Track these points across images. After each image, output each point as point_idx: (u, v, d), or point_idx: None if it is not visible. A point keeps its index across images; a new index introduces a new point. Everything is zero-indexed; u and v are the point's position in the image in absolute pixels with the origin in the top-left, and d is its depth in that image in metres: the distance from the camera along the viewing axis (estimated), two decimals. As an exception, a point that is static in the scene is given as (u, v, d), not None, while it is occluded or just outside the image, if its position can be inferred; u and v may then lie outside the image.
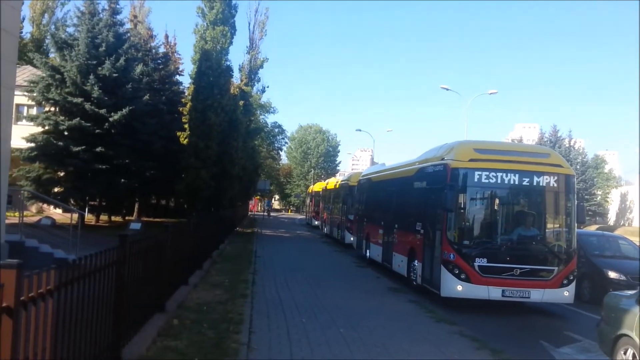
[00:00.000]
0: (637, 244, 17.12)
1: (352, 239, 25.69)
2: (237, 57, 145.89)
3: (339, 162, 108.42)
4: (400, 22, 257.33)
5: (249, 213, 64.10)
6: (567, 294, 11.86)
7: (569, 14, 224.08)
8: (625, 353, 7.29)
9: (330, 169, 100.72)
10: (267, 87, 49.40)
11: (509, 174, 11.80)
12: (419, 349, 8.10)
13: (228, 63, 27.61)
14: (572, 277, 11.96)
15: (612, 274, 14.06)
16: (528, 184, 11.94)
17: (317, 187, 46.23)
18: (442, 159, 12.74)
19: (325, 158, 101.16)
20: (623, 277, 13.88)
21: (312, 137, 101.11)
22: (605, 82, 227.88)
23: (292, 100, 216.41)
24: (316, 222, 43.38)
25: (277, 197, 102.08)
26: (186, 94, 29.62)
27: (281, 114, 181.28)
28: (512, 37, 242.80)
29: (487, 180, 11.79)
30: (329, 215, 35.51)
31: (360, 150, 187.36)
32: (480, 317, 11.63)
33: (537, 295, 11.69)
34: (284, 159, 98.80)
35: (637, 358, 6.97)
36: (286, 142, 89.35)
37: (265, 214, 65.76)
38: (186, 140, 25.82)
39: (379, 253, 18.26)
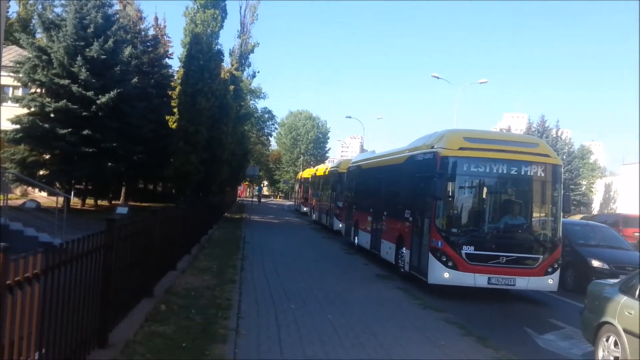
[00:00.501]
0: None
1: (340, 225, 25.68)
2: (228, 41, 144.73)
3: (329, 149, 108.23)
4: (392, 9, 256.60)
5: (238, 199, 63.98)
6: (551, 282, 12.02)
7: (560, 5, 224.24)
8: (607, 340, 7.37)
9: (319, 155, 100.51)
10: (258, 72, 49.20)
11: (497, 163, 11.86)
12: (406, 335, 8.15)
13: (219, 47, 27.46)
14: (556, 266, 12.09)
15: (596, 263, 14.20)
16: (516, 173, 12.04)
17: (307, 173, 46.13)
18: (432, 147, 12.76)
19: (315, 144, 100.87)
20: (606, 266, 14.04)
21: (302, 124, 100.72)
22: (593, 74, 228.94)
23: (283, 86, 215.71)
24: (305, 209, 43.34)
25: (265, 183, 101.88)
26: (176, 78, 29.40)
27: (271, 99, 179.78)
28: (503, 27, 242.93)
29: (476, 169, 11.88)
30: (317, 201, 35.48)
31: (350, 137, 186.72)
32: (467, 304, 11.71)
33: (522, 282, 11.84)
34: (273, 144, 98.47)
35: (619, 345, 7.04)
36: (276, 128, 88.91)
37: (255, 200, 64.25)
38: (175, 124, 25.67)
39: (368, 240, 18.31)
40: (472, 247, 11.65)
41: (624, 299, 7.24)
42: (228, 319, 7.99)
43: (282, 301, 9.90)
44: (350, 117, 71.18)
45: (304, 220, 36.79)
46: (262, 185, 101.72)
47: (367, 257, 17.72)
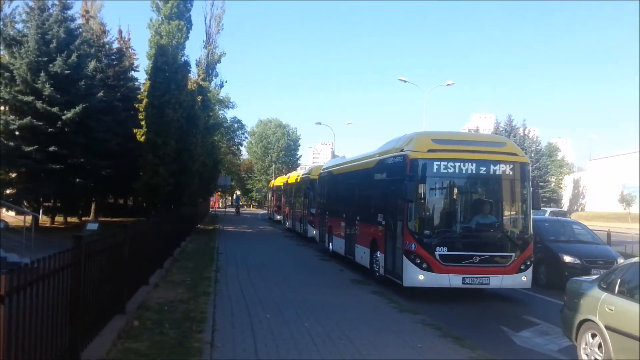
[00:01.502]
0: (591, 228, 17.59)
1: (314, 232, 25.67)
2: (194, 51, 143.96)
3: (300, 156, 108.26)
4: (358, 15, 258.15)
5: (211, 210, 63.47)
6: (524, 279, 12.15)
7: (521, 5, 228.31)
8: (589, 338, 7.33)
9: (291, 163, 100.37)
10: (226, 82, 48.59)
11: (466, 164, 11.98)
12: (383, 339, 8.13)
13: (185, 58, 27.17)
14: (529, 263, 12.25)
15: (567, 258, 14.42)
16: (485, 172, 12.16)
17: (279, 181, 46.05)
18: (402, 150, 12.85)
19: (286, 152, 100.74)
20: (578, 261, 14.28)
21: (273, 132, 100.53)
22: (557, 72, 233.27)
23: (252, 95, 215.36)
24: (278, 217, 43.22)
25: (238, 192, 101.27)
26: (142, 90, 29.04)
27: (240, 109, 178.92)
28: (468, 29, 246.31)
29: (445, 170, 11.95)
30: (291, 209, 35.41)
31: (321, 144, 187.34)
32: (443, 305, 11.76)
33: (496, 281, 11.95)
34: (244, 154, 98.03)
35: (602, 342, 7.00)
36: (246, 137, 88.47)
37: (233, 210, 61.01)
38: (143, 137, 25.32)
39: (342, 245, 18.30)
40: (446, 248, 11.74)
41: (604, 295, 7.21)
42: (203, 332, 7.88)
43: (258, 311, 9.81)
44: (320, 124, 71.58)
45: (278, 229, 36.66)
46: (234, 194, 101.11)
47: (342, 262, 17.71)
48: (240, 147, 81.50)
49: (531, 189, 12.53)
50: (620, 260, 14.51)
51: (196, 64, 39.22)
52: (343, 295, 11.91)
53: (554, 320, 10.36)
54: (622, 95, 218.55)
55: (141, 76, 43.00)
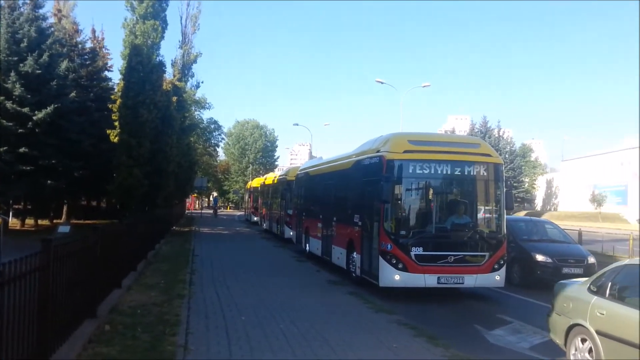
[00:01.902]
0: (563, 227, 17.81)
1: (291, 233, 25.60)
2: (169, 52, 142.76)
3: (278, 157, 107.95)
4: (336, 17, 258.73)
5: (187, 211, 63.00)
6: (498, 278, 12.29)
7: (495, 6, 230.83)
8: (579, 343, 7.15)
9: (268, 164, 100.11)
10: (202, 82, 48.53)
11: (441, 164, 12.10)
12: (358, 340, 8.13)
13: (160, 58, 26.86)
14: (502, 262, 12.38)
15: (540, 257, 14.58)
16: (460, 173, 12.34)
17: (256, 182, 45.85)
18: (378, 151, 12.87)
19: (264, 153, 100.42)
20: (550, 260, 14.47)
21: (250, 133, 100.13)
22: (531, 74, 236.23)
23: (229, 96, 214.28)
24: (255, 218, 43.04)
25: (215, 193, 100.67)
26: (116, 91, 28.69)
27: (217, 109, 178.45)
28: (443, 31, 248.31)
29: (421, 171, 12.07)
30: (268, 210, 35.29)
31: (298, 145, 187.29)
32: (418, 305, 11.81)
33: (470, 280, 12.06)
34: (221, 155, 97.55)
35: (592, 347, 6.84)
36: (223, 138, 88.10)
37: (212, 212, 59.31)
38: (117, 138, 25.00)
39: (319, 247, 18.25)
40: (421, 248, 11.82)
41: (594, 299, 7.01)
42: (176, 336, 7.78)
43: (233, 314, 9.72)
44: (297, 125, 71.58)
45: (255, 230, 36.51)
46: (211, 196, 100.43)
47: (318, 264, 17.67)
48: (217, 148, 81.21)
49: (504, 189, 12.65)
50: (591, 259, 14.80)
51: (172, 64, 38.90)
52: (319, 297, 11.87)
53: (527, 319, 10.54)
54: (593, 97, 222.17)
55: (115, 76, 42.55)
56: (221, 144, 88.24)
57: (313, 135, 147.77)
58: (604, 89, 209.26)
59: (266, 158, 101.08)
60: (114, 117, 25.77)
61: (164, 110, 26.93)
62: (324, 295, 12.14)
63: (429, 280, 11.82)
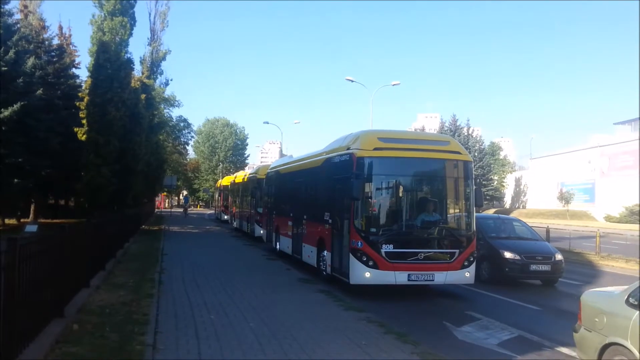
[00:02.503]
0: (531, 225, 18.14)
1: (261, 231, 25.59)
2: (138, 49, 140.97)
3: (248, 155, 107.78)
4: (306, 14, 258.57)
5: (156, 210, 62.39)
6: (468, 275, 12.35)
7: (464, 5, 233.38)
8: None
9: (239, 162, 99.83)
10: (171, 80, 48.08)
11: (411, 162, 12.19)
12: (328, 337, 8.17)
13: (128, 55, 26.65)
14: (472, 259, 12.44)
15: (508, 254, 14.78)
16: (429, 170, 12.50)
17: (226, 181, 45.68)
18: (348, 149, 12.85)
19: (234, 151, 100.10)
20: (518, 257, 14.69)
21: (220, 131, 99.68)
22: (498, 72, 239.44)
23: (199, 94, 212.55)
24: (225, 217, 42.90)
25: (185, 192, 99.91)
26: (84, 88, 28.31)
27: (187, 107, 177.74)
28: (414, 28, 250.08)
29: (391, 169, 12.12)
30: (238, 209, 35.20)
31: (268, 143, 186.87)
32: (388, 303, 11.91)
33: (441, 277, 12.07)
34: (191, 153, 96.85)
35: None
36: (192, 137, 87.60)
37: (182, 211, 57.50)
38: (84, 136, 24.68)
39: (289, 245, 18.19)
40: (391, 246, 11.80)
41: (635, 314, 5.89)
42: (145, 335, 7.72)
43: (202, 313, 9.69)
44: (267, 123, 71.75)
45: (225, 229, 36.38)
46: (180, 194, 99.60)
47: (289, 262, 17.68)
48: (186, 146, 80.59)
49: (474, 186, 12.75)
50: (559, 256, 14.98)
51: (140, 62, 38.62)
52: (289, 295, 11.89)
53: (495, 315, 10.73)
54: (561, 96, 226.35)
55: (83, 73, 41.94)
56: (191, 142, 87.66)
57: (283, 133, 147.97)
58: (571, 88, 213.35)
59: (236, 156, 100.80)
60: (81, 115, 25.45)
61: (133, 108, 26.68)
62: (294, 293, 12.16)
63: (400, 277, 11.81)
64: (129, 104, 25.96)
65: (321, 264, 14.43)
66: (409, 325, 9.55)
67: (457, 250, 12.24)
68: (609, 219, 62.49)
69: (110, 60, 24.46)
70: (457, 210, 13.05)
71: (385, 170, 12.13)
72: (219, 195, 50.60)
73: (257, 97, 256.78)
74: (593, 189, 71.33)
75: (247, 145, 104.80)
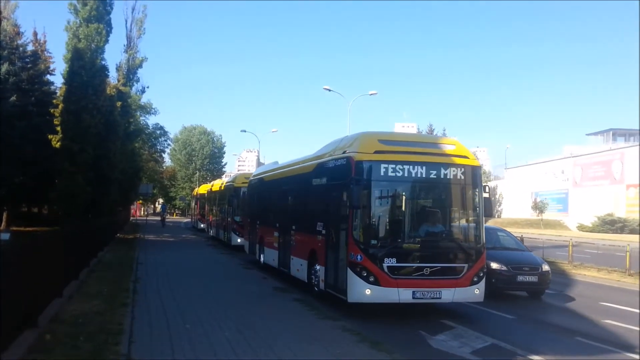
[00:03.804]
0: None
1: (238, 240, 25.57)
2: (114, 56, 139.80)
3: (225, 164, 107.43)
4: (284, 22, 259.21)
5: (132, 218, 61.79)
6: (477, 292, 11.34)
7: (440, 13, 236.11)
8: None
9: (216, 170, 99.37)
10: (147, 87, 47.60)
11: (416, 167, 11.10)
12: (303, 346, 8.20)
13: (104, 62, 26.39)
14: (482, 274, 11.41)
15: (494, 265, 14.17)
16: (436, 176, 11.29)
17: (202, 189, 45.52)
18: (344, 152, 11.83)
19: (211, 160, 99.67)
20: (504, 268, 14.20)
21: (197, 139, 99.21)
22: (473, 82, 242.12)
23: (175, 102, 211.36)
24: (202, 225, 42.72)
25: (161, 200, 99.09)
26: (58, 95, 27.99)
27: (163, 115, 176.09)
28: (391, 38, 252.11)
29: (394, 174, 11.00)
30: (214, 217, 35.11)
31: (246, 151, 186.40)
32: (363, 311, 11.80)
33: (448, 295, 11.03)
34: (167, 161, 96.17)
35: None
36: (169, 144, 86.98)
37: (160, 220, 54.69)
38: (59, 143, 24.36)
39: (275, 257, 17.00)
40: (394, 260, 10.70)
41: None
42: (119, 345, 7.66)
43: (178, 322, 9.65)
44: (245, 131, 71.96)
45: (201, 237, 36.22)
46: (157, 202, 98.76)
47: (265, 271, 17.68)
48: (162, 154, 79.99)
49: (483, 194, 11.64)
50: (545, 267, 14.56)
51: (116, 69, 38.25)
52: (265, 304, 11.89)
53: (469, 324, 10.81)
54: (536, 107, 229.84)
55: (57, 80, 41.38)
56: (167, 150, 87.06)
57: (261, 141, 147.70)
58: (545, 99, 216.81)
59: (213, 164, 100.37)
60: (55, 122, 25.11)
61: (108, 116, 26.41)
62: (269, 302, 12.16)
63: (403, 295, 10.71)
64: (104, 112, 25.69)
65: (313, 278, 13.29)
66: (384, 333, 9.61)
67: (465, 265, 11.20)
68: (581, 228, 63.57)
69: (85, 67, 24.20)
70: (465, 221, 11.92)
71: (388, 175, 10.97)
72: (196, 204, 50.34)
73: (235, 106, 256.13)
74: (566, 199, 72.52)
75: (224, 153, 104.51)
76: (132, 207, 64.29)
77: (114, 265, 17.57)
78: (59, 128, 24.61)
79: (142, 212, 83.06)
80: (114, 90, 31.11)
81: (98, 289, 12.56)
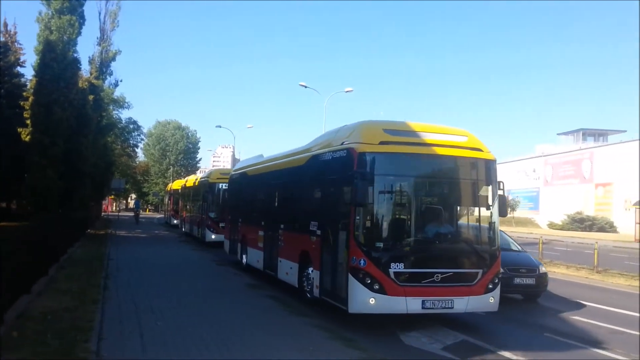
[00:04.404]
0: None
1: (213, 237, 25.53)
2: (87, 49, 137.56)
3: (200, 159, 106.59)
4: (260, 18, 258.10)
5: (103, 214, 61.04)
6: (492, 300, 10.22)
7: (413, 13, 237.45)
8: None
9: (190, 166, 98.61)
10: (121, 81, 46.73)
11: (426, 160, 10.13)
12: (276, 343, 8.20)
13: (76, 55, 26.00)
14: (497, 281, 10.33)
15: None
16: (447, 171, 10.40)
17: (176, 184, 45.13)
18: (343, 144, 10.60)
19: (185, 155, 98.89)
20: (501, 270, 13.29)
21: (171, 134, 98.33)
22: (450, 81, 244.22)
23: (150, 96, 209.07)
24: (175, 221, 42.40)
25: (133, 196, 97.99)
26: (29, 87, 27.49)
27: (137, 109, 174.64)
28: (366, 34, 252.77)
29: (401, 167, 10.04)
30: (188, 213, 34.85)
31: (221, 147, 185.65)
32: (337, 308, 11.87)
33: (461, 304, 9.88)
34: (140, 156, 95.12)
35: None
36: (142, 139, 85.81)
37: (133, 216, 52.03)
38: (29, 137, 23.94)
39: (260, 259, 15.70)
40: (402, 265, 9.54)
41: None
42: (89, 342, 7.56)
43: (149, 319, 9.55)
44: (220, 127, 71.97)
45: (175, 233, 35.94)
46: (129, 198, 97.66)
47: (238, 267, 17.60)
48: (136, 149, 78.96)
49: (498, 192, 10.55)
50: (542, 269, 14.01)
51: (89, 62, 37.73)
52: (238, 300, 11.85)
53: (442, 321, 10.83)
54: (509, 107, 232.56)
55: (28, 72, 40.67)
56: (141, 145, 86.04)
57: (236, 137, 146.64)
58: (518, 99, 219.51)
59: (188, 160, 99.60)
60: (26, 115, 24.67)
61: (80, 109, 26.06)
62: (242, 299, 12.13)
63: (412, 304, 9.56)
64: (76, 105, 25.31)
65: (305, 284, 12.04)
66: (356, 330, 9.64)
67: (480, 270, 10.06)
68: (552, 226, 64.73)
69: (56, 59, 23.81)
70: (479, 221, 10.65)
71: (394, 169, 9.99)
72: (169, 199, 49.90)
73: (210, 101, 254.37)
74: (537, 197, 73.74)
75: (199, 149, 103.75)
76: (104, 202, 63.46)
77: (85, 261, 17.32)
78: (29, 121, 24.19)
79: (114, 208, 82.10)
80: (86, 83, 30.73)
81: (68, 285, 12.36)
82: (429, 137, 10.27)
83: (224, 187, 26.22)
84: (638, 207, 46.56)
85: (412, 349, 8.84)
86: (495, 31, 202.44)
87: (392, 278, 9.48)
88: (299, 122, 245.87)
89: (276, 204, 14.93)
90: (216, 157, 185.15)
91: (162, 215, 62.55)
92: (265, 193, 16.11)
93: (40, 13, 24.63)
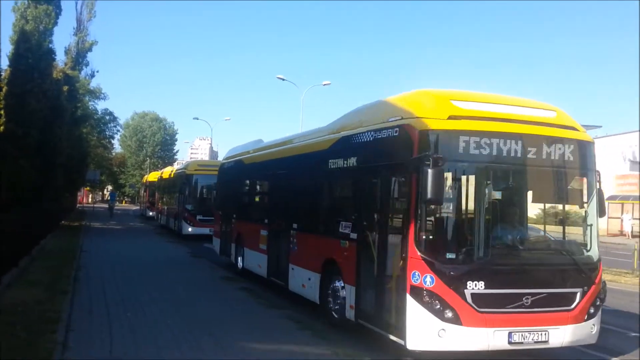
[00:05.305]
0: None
1: (190, 229, 25.53)
2: (64, 39, 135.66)
3: (177, 151, 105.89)
4: (237, 11, 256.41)
5: (78, 205, 60.44)
6: (593, 329, 7.76)
7: (394, 5, 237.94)
8: None
9: (167, 158, 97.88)
10: (97, 71, 46.04)
11: (513, 141, 7.40)
12: (247, 335, 8.27)
13: (51, 45, 25.72)
14: (598, 304, 7.80)
15: None
16: (536, 156, 7.58)
17: (153, 176, 44.95)
18: (389, 120, 8.07)
19: (162, 147, 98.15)
20: None
21: (148, 125, 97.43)
22: (432, 75, 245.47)
23: (127, 87, 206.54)
24: (151, 213, 42.24)
25: (110, 187, 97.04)
26: (2, 78, 27.10)
27: (114, 100, 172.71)
28: (345, 28, 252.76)
29: (481, 151, 7.27)
30: (165, 205, 34.74)
31: (199, 139, 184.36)
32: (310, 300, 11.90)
33: (558, 336, 7.40)
34: (117, 147, 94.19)
35: None
36: (118, 130, 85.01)
37: (108, 209, 49.00)
38: (2, 127, 23.66)
39: (262, 263, 13.21)
40: (482, 284, 7.08)
41: None
42: (56, 333, 7.57)
43: (119, 310, 9.58)
44: (197, 119, 71.85)
45: (150, 225, 35.82)
46: (105, 189, 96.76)
47: (214, 259, 17.61)
48: (112, 140, 78.20)
49: (597, 185, 8.10)
50: None
51: (65, 52, 37.32)
52: (211, 292, 11.90)
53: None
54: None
55: (2, 62, 39.90)
56: (117, 136, 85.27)
57: (214, 129, 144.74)
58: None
59: (165, 152, 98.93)
60: (-1, 106, 24.39)
61: (54, 100, 25.81)
62: (216, 291, 12.17)
63: (497, 338, 7.08)
64: (50, 96, 25.03)
65: (331, 300, 9.51)
66: (329, 322, 9.74)
67: (579, 290, 7.57)
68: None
69: (31, 49, 23.50)
70: (575, 223, 8.46)
71: (470, 153, 7.25)
72: (145, 191, 49.64)
73: (188, 93, 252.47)
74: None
75: (176, 140, 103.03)
76: (78, 193, 62.82)
77: (57, 253, 17.25)
78: (2, 112, 23.90)
79: (89, 199, 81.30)
80: (61, 74, 30.39)
81: (39, 277, 12.33)
82: (510, 111, 7.84)
83: (201, 179, 26.26)
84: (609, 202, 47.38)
85: (380, 339, 8.97)
86: (479, 27, 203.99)
87: (469, 302, 7.04)
88: (276, 115, 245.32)
89: (286, 197, 12.30)
90: (194, 149, 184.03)
91: (138, 207, 62.15)
92: (271, 184, 13.76)
93: (16, 2, 24.35)
